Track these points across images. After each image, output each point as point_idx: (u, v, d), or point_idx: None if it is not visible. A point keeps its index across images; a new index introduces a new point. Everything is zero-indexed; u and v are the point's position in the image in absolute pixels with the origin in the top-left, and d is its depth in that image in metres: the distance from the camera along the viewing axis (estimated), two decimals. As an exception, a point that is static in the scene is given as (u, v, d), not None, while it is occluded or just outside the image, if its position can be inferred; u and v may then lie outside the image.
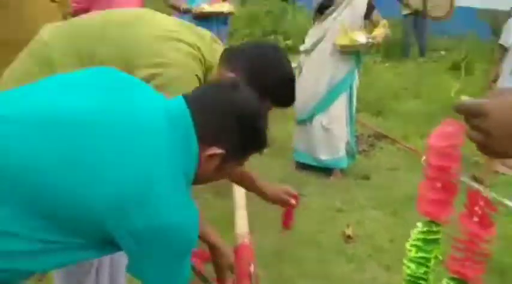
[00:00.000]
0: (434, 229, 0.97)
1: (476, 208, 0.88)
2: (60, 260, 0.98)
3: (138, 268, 1.01)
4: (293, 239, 2.68)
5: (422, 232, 0.98)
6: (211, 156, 1.02)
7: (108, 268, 1.66)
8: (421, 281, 0.98)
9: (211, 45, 1.46)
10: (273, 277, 2.39)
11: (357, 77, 3.64)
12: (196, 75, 1.38)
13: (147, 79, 1.27)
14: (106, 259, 1.64)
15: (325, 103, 3.57)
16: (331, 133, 3.61)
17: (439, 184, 0.90)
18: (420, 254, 0.97)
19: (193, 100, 1.03)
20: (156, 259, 0.97)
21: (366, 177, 3.70)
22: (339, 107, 3.60)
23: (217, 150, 1.02)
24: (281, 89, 1.39)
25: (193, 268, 1.40)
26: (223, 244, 1.44)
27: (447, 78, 6.40)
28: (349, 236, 2.86)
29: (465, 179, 0.90)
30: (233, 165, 1.10)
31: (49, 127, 0.93)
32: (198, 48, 1.39)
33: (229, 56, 1.41)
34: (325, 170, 3.67)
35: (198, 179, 1.05)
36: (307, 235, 2.81)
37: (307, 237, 2.79)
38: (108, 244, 0.98)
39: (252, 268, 1.44)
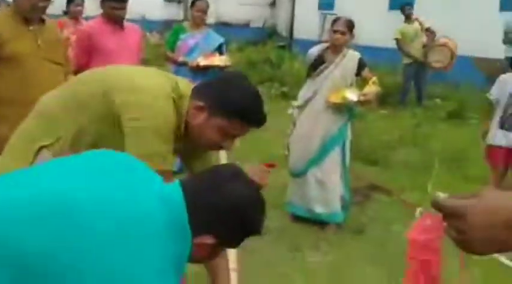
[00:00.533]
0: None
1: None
2: None
3: None
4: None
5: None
6: (202, 244, 1.04)
7: None
8: None
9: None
10: None
11: (349, 130, 3.67)
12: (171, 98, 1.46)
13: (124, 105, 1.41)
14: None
15: (319, 157, 3.58)
16: (326, 186, 3.60)
17: (421, 277, 0.89)
18: None
19: (189, 188, 1.05)
20: None
21: (361, 231, 3.65)
22: (333, 160, 3.60)
23: (208, 240, 1.04)
24: (247, 106, 1.44)
25: None
26: None
27: (443, 127, 6.44)
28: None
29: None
30: (225, 248, 1.12)
31: (52, 213, 0.93)
32: (170, 78, 1.51)
33: (197, 88, 1.51)
34: (320, 222, 3.63)
35: (191, 260, 1.07)
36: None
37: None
38: None
39: None
